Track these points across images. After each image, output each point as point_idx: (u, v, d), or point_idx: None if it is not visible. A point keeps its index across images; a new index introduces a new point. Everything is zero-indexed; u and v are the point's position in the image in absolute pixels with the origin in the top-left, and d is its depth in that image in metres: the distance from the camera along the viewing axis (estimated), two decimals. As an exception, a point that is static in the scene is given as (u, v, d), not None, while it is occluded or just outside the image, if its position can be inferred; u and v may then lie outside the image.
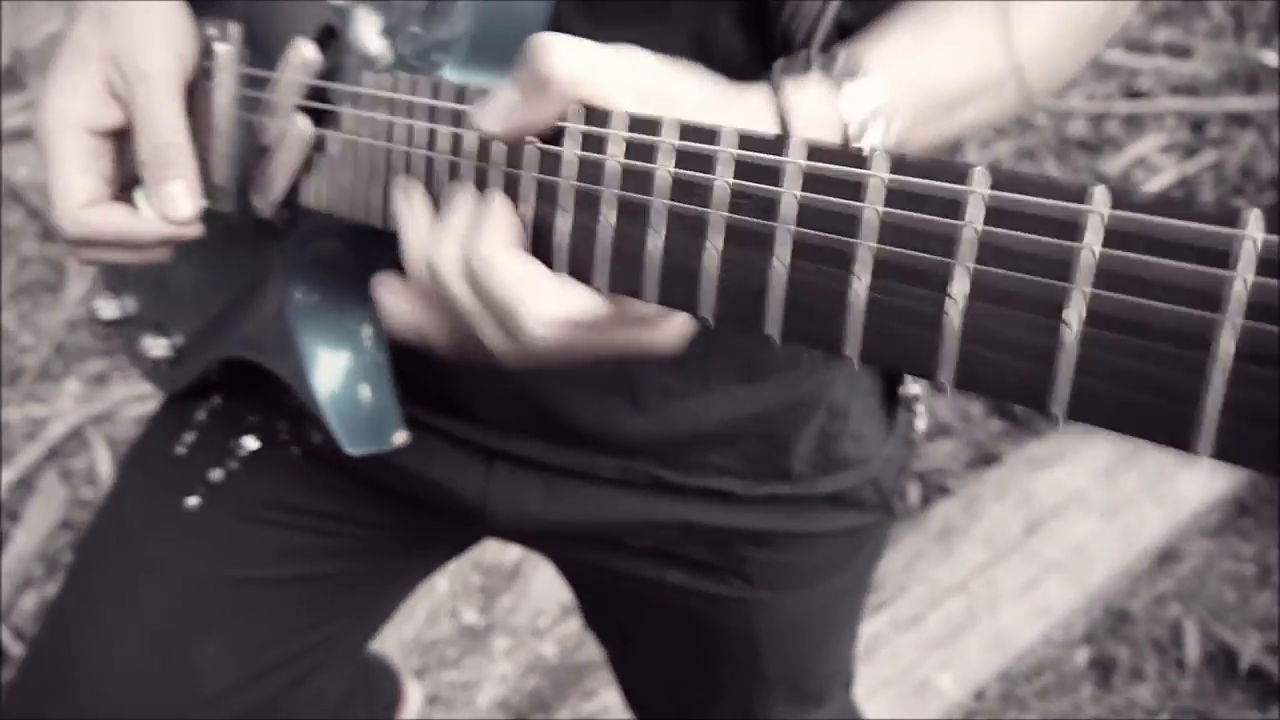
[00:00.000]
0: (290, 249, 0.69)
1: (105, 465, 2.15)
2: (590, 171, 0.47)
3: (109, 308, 0.84)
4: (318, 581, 0.90)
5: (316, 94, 0.63)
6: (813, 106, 0.53)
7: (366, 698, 1.30)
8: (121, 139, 0.67)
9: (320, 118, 0.63)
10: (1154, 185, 2.51)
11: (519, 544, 0.90)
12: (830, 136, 0.53)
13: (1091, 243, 0.31)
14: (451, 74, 0.57)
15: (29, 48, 2.81)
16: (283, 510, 0.86)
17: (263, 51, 0.67)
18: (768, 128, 0.53)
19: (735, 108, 0.52)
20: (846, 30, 0.61)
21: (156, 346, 0.83)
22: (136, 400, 2.30)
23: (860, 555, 0.89)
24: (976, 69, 0.59)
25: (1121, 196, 0.31)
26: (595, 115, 0.47)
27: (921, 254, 0.36)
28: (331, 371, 0.69)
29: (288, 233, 0.69)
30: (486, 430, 0.78)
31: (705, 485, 0.79)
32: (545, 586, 1.63)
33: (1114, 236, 0.31)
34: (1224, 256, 0.29)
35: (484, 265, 0.49)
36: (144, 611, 0.88)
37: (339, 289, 0.69)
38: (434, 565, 1.02)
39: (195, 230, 0.65)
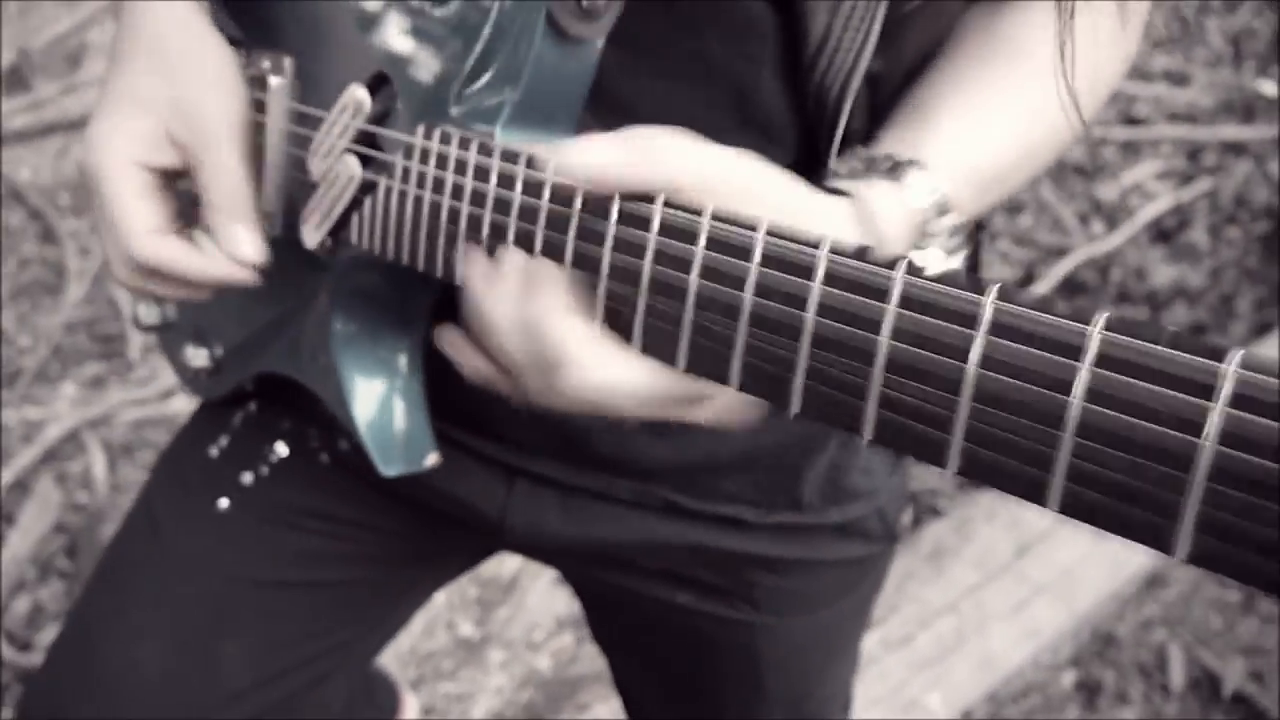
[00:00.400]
0: (332, 279, 0.71)
1: (101, 469, 2.16)
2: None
3: (150, 314, 0.86)
4: (338, 587, 0.92)
5: (367, 138, 0.65)
6: (887, 207, 0.55)
7: (366, 705, 1.31)
8: (173, 180, 0.68)
9: (368, 161, 0.65)
10: (1149, 211, 2.54)
11: (534, 558, 0.92)
12: (906, 232, 0.56)
13: (1089, 364, 0.34)
14: (500, 133, 0.59)
15: (34, 48, 2.82)
16: (309, 516, 0.88)
17: (314, 87, 0.69)
18: (851, 230, 0.55)
19: (819, 209, 0.54)
20: (875, 82, 0.63)
21: (198, 357, 0.86)
22: (134, 404, 2.31)
23: (864, 583, 0.91)
24: (1027, 130, 0.61)
25: (1118, 324, 0.34)
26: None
27: (934, 356, 0.39)
28: (370, 399, 0.71)
29: (331, 261, 0.71)
30: (508, 449, 0.80)
31: (717, 511, 0.81)
32: (541, 600, 1.64)
33: (1109, 361, 0.34)
34: (1207, 390, 0.32)
35: (535, 325, 0.52)
36: (171, 610, 0.90)
37: (378, 319, 0.72)
38: (450, 575, 1.04)
39: (252, 279, 0.67)
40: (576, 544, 0.83)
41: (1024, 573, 1.74)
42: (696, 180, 0.49)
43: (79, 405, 2.30)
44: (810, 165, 0.63)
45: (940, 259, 0.56)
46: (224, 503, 0.89)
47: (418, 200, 0.61)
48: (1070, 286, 2.42)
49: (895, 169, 0.56)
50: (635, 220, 0.49)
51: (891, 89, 0.64)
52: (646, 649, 0.97)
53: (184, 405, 2.32)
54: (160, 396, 2.33)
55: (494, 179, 0.56)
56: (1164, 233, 2.55)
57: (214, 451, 0.90)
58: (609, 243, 0.50)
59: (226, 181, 0.65)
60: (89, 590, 0.96)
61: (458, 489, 0.82)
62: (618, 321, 0.51)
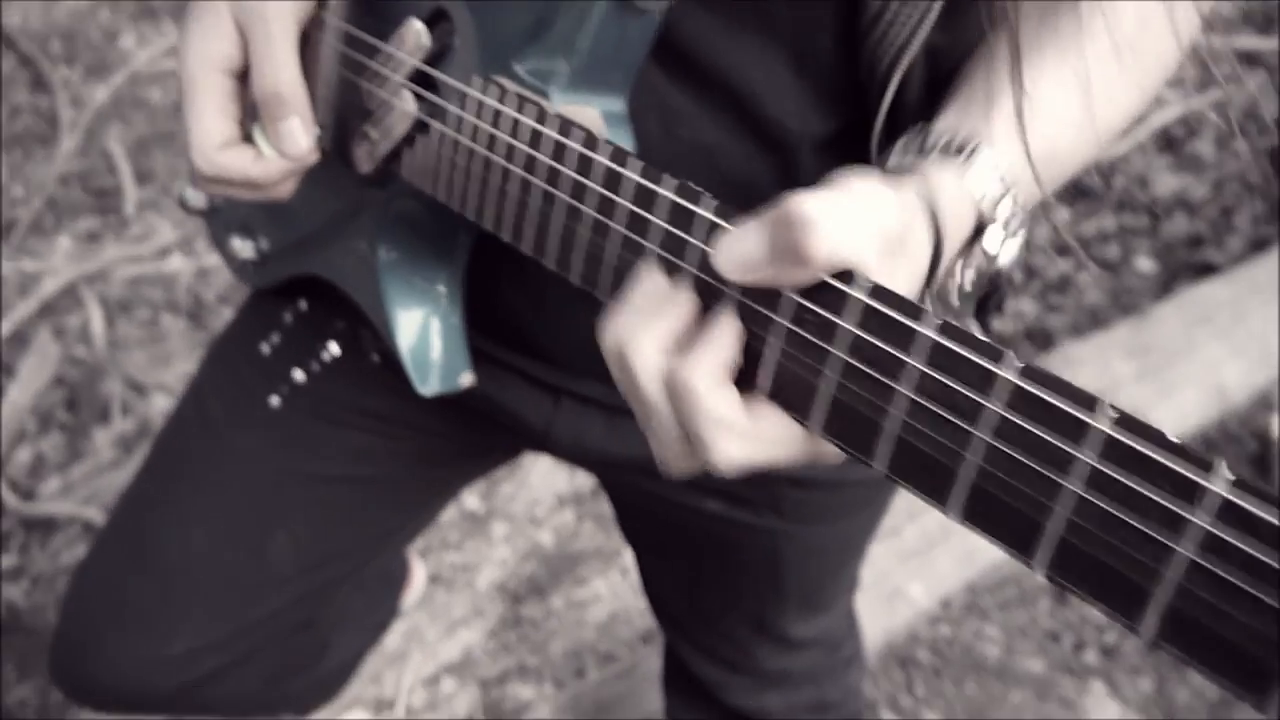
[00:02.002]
0: (380, 202, 0.72)
1: (99, 325, 2.16)
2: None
3: (197, 198, 0.86)
4: (383, 482, 0.94)
5: (424, 78, 0.65)
6: (949, 192, 0.54)
7: (381, 573, 1.36)
8: (244, 78, 0.69)
9: (423, 99, 0.65)
10: (1158, 119, 2.53)
11: (574, 464, 0.94)
12: (967, 215, 0.55)
13: (1091, 449, 0.38)
14: (556, 94, 0.59)
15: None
16: (359, 413, 0.90)
17: (374, 14, 0.68)
18: (921, 220, 0.53)
19: (908, 205, 0.52)
20: (935, 55, 0.62)
21: (244, 249, 0.86)
22: (130, 261, 2.30)
23: (881, 495, 0.94)
24: (1091, 108, 0.60)
25: (1123, 418, 0.38)
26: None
27: (949, 413, 0.42)
28: (410, 322, 0.74)
29: (381, 186, 0.71)
30: (555, 370, 0.81)
31: None
32: (543, 478, 1.68)
33: (1110, 449, 0.37)
34: (1191, 492, 0.35)
35: (687, 391, 0.49)
36: (222, 499, 0.92)
37: (422, 246, 0.73)
38: (487, 470, 1.07)
39: (314, 158, 0.68)
40: (618, 458, 0.85)
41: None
42: (853, 256, 0.46)
43: (75, 260, 2.28)
44: (863, 128, 0.64)
45: (997, 242, 0.55)
46: (275, 399, 0.90)
47: (470, 153, 0.61)
48: (1073, 191, 2.43)
49: (955, 148, 0.55)
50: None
51: (952, 64, 0.64)
52: (673, 547, 1.00)
53: (181, 264, 2.31)
54: (157, 254, 2.32)
55: (544, 148, 0.56)
56: (1171, 141, 2.54)
57: (265, 348, 0.91)
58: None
59: (280, 75, 0.65)
60: (143, 476, 0.98)
61: (506, 401, 0.84)
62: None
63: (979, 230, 0.55)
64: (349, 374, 0.89)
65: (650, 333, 0.50)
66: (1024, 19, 0.60)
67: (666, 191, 0.51)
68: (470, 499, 1.65)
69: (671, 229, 0.51)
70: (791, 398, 0.48)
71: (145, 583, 0.94)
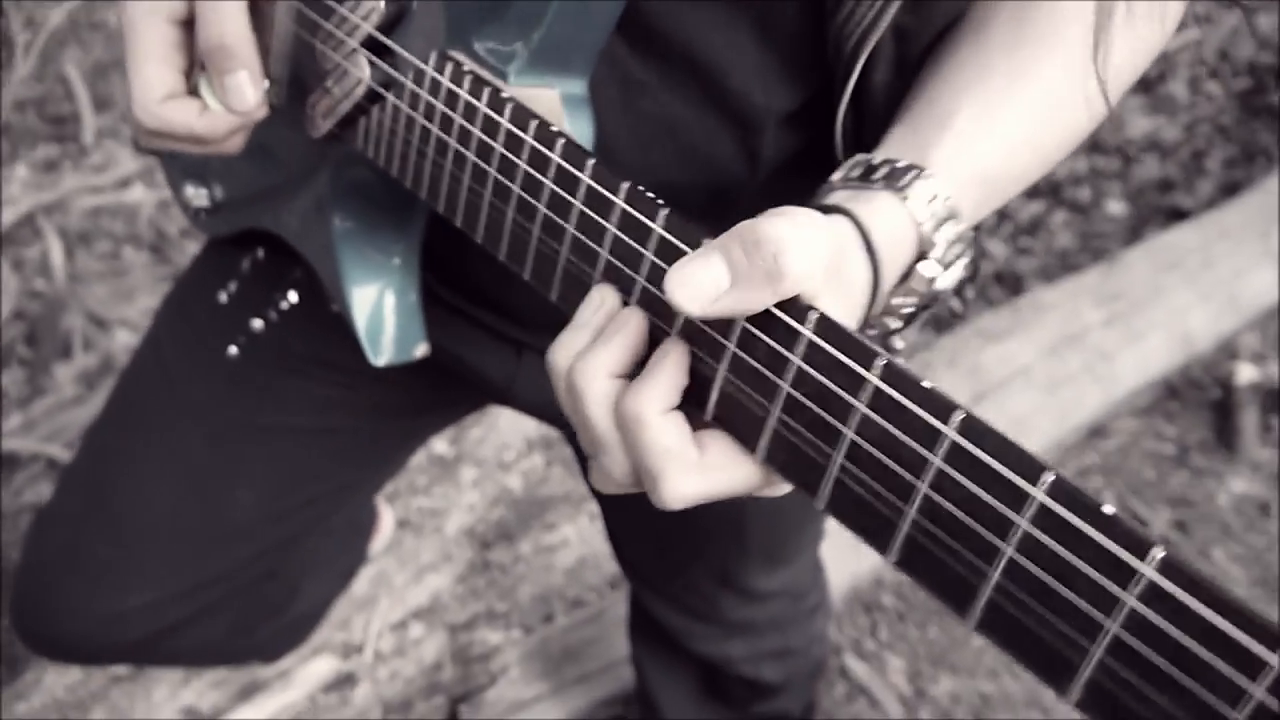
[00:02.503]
0: (335, 167, 0.70)
1: (58, 257, 2.11)
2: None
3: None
4: (344, 433, 0.94)
5: (380, 47, 0.63)
6: (887, 220, 0.53)
7: (348, 520, 1.36)
8: (192, 28, 0.66)
9: (377, 69, 0.63)
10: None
11: (537, 418, 0.94)
12: (906, 243, 0.53)
13: (1029, 518, 0.38)
14: (514, 76, 0.57)
15: None
16: (318, 364, 0.89)
17: None
18: (856, 254, 0.51)
19: (842, 233, 0.51)
20: (903, 35, 0.61)
21: (197, 196, 0.85)
22: (90, 191, 2.24)
23: None
24: (1046, 129, 0.59)
25: (1061, 491, 0.37)
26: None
27: (892, 461, 0.41)
28: (365, 294, 0.72)
29: (336, 149, 0.69)
30: (517, 324, 0.80)
31: None
32: (512, 422, 1.68)
33: (1048, 520, 0.37)
34: (1127, 576, 0.35)
35: (635, 421, 0.47)
36: (182, 453, 0.92)
37: (377, 217, 0.71)
38: (451, 421, 1.07)
39: (262, 114, 0.65)
40: None
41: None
42: (806, 284, 0.45)
43: (32, 189, 2.23)
44: (828, 107, 0.63)
45: (936, 270, 0.54)
46: (233, 350, 0.89)
47: (424, 132, 0.59)
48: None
49: (896, 176, 0.54)
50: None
51: (920, 46, 0.62)
52: (638, 502, 1.01)
53: (142, 195, 2.26)
54: (117, 185, 2.27)
55: (497, 134, 0.54)
56: (1145, 82, 2.53)
57: (223, 297, 0.89)
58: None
59: (226, 27, 0.63)
60: (101, 427, 0.97)
61: (468, 355, 0.83)
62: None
63: (921, 257, 0.54)
64: (308, 323, 0.87)
65: (599, 359, 0.49)
66: (1000, 16, 0.59)
67: (619, 200, 0.50)
68: (439, 443, 1.65)
69: (624, 237, 0.50)
70: (739, 424, 0.47)
71: (104, 537, 0.93)
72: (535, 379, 0.83)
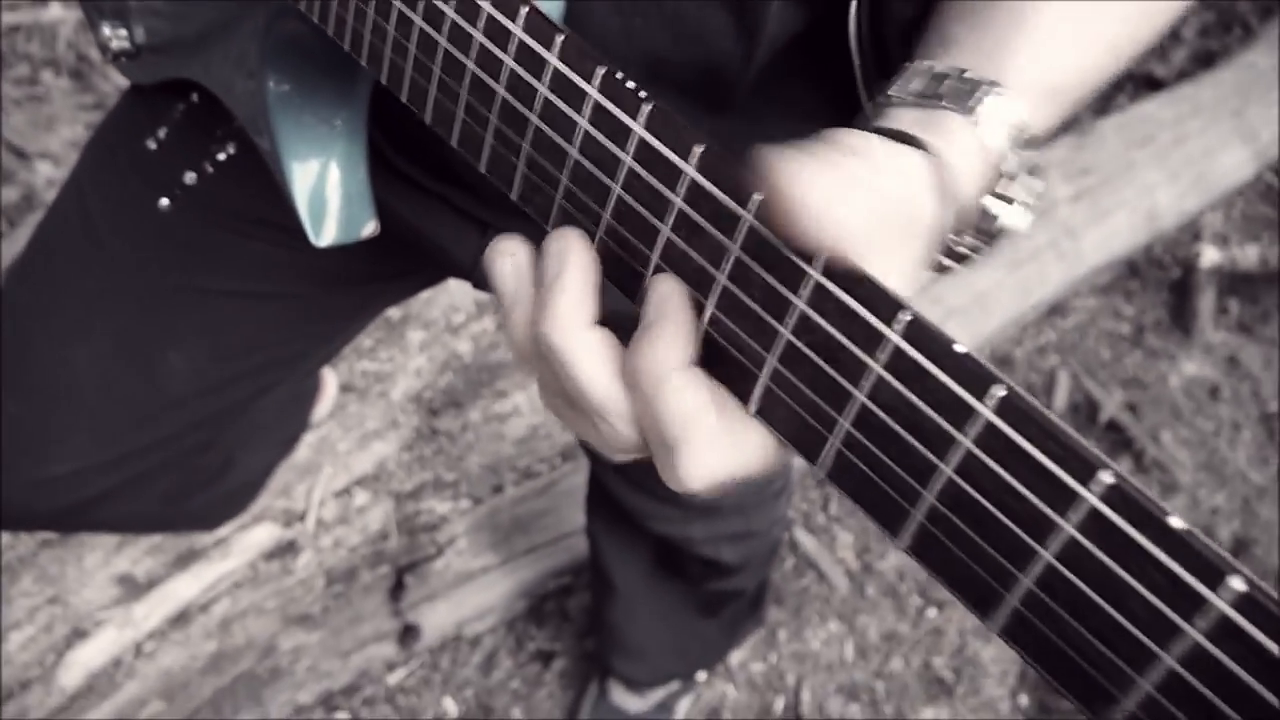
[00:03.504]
0: (269, 21, 0.61)
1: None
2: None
3: None
4: (288, 299, 0.86)
5: None
6: (958, 151, 0.44)
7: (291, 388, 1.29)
8: None
9: None
10: None
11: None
12: (976, 176, 0.45)
13: (970, 436, 0.34)
14: None
15: None
16: (257, 222, 0.80)
17: None
18: (929, 197, 0.42)
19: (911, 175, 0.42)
20: None
21: (117, 38, 0.75)
22: (3, 9, 2.07)
23: None
24: (1128, 44, 0.50)
25: (1009, 409, 0.33)
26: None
27: (829, 366, 0.37)
28: (306, 168, 0.64)
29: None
30: (483, 203, 0.73)
31: None
32: (461, 284, 1.61)
33: (991, 439, 0.34)
34: (1067, 502, 0.32)
35: (655, 380, 0.39)
36: (108, 312, 0.83)
37: (316, 78, 0.62)
38: (407, 294, 0.99)
39: None
40: None
41: (939, 295, 1.77)
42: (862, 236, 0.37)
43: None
44: (840, 30, 0.54)
45: (1008, 209, 0.46)
46: (164, 202, 0.80)
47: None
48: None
49: (964, 92, 0.45)
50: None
51: None
52: None
53: (61, 13, 2.09)
54: (32, 1, 2.09)
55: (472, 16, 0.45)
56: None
57: (152, 144, 0.80)
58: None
59: None
60: (18, 276, 0.88)
61: (430, 231, 0.76)
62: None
63: (989, 191, 0.46)
64: (246, 177, 0.78)
65: (565, 306, 0.40)
66: None
67: (593, 90, 0.42)
68: (385, 305, 1.58)
69: (597, 135, 0.42)
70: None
71: (24, 401, 0.86)
72: None
